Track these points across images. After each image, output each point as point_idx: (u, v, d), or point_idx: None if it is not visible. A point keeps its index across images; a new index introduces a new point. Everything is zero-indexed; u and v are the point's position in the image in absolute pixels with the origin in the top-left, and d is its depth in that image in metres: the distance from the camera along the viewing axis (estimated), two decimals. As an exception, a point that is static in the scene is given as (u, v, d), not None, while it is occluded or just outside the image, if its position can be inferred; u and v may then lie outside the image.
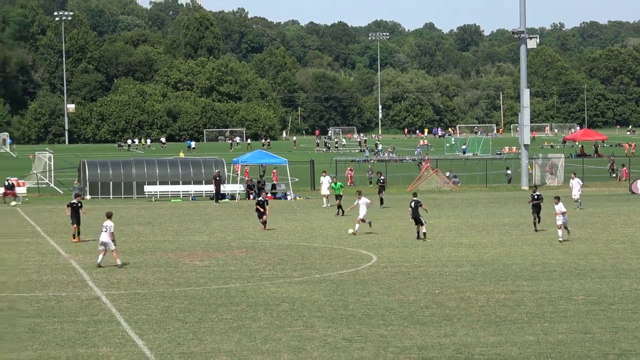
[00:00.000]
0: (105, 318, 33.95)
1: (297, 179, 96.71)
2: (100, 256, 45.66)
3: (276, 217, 69.62)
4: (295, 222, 68.82)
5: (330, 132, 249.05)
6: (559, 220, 53.87)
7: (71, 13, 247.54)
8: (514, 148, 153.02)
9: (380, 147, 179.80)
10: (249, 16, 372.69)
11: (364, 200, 51.34)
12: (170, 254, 46.88)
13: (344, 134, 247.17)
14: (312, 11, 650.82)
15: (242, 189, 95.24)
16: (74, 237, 54.87)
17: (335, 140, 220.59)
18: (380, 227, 64.08)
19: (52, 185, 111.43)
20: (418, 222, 55.15)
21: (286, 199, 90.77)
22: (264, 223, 62.99)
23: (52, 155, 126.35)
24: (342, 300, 36.28)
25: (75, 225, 54.19)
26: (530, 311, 33.83)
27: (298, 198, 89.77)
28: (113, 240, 45.67)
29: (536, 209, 56.31)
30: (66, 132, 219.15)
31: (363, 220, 51.48)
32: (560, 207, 53.35)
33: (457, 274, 43.10)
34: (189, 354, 28.42)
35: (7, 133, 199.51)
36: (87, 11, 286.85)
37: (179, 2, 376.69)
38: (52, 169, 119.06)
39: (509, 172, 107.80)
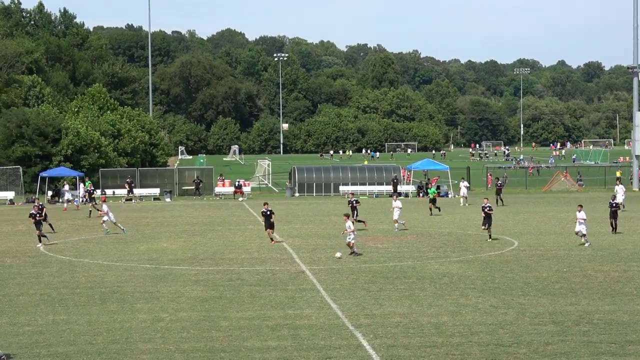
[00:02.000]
0: (308, 287, 34.78)
1: (455, 181, 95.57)
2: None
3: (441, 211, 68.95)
4: (453, 215, 68.24)
5: (482, 145, 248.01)
6: None
7: (286, 55, 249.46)
8: (627, 158, 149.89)
9: (521, 157, 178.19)
10: (421, 56, 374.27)
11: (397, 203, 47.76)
12: (358, 238, 45.78)
13: (493, 146, 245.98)
14: (470, 51, 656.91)
15: (414, 188, 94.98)
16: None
17: (486, 151, 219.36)
18: (521, 219, 64.08)
19: (270, 185, 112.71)
20: None
21: (447, 197, 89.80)
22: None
23: (270, 162, 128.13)
24: (490, 276, 36.59)
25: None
26: (639, 286, 33.68)
27: (456, 196, 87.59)
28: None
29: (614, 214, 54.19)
30: (281, 145, 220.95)
31: (396, 221, 48.05)
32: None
33: (580, 257, 42.56)
34: (372, 315, 28.88)
35: (237, 146, 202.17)
36: (298, 53, 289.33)
37: (368, 45, 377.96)
38: (270, 173, 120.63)
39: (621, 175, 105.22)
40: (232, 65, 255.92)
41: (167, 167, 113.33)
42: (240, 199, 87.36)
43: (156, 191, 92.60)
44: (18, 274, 39.45)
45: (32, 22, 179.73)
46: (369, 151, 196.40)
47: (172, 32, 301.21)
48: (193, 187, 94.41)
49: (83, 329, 27.35)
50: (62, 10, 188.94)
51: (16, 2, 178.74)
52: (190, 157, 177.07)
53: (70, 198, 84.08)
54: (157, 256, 44.42)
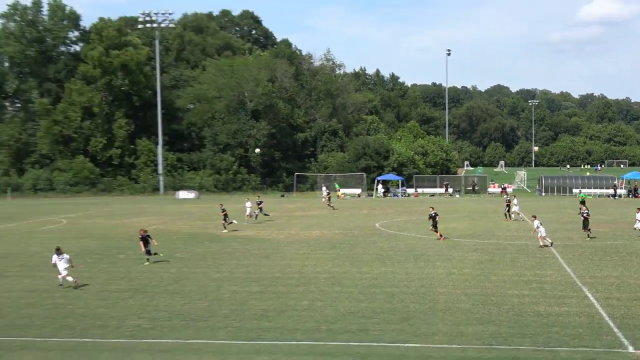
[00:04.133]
0: (550, 255, 34.87)
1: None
2: None
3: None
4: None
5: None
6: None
7: (537, 101, 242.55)
8: None
9: None
10: (631, 100, 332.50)
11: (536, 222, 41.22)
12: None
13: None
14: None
15: (625, 192, 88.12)
16: None
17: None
18: None
19: (525, 188, 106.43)
20: None
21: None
22: None
23: (525, 173, 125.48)
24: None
25: None
26: None
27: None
28: None
29: None
30: (533, 161, 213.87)
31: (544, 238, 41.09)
32: None
33: None
34: (594, 277, 28.23)
35: (503, 161, 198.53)
36: (545, 99, 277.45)
37: (594, 94, 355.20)
38: (525, 179, 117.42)
39: None
40: (500, 108, 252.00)
41: (457, 175, 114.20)
42: (505, 196, 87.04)
43: (441, 190, 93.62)
44: (363, 241, 41.09)
45: (372, 82, 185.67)
46: (593, 165, 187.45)
47: (462, 86, 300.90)
48: (471, 188, 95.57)
49: (402, 277, 28.67)
50: (391, 74, 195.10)
51: (362, 68, 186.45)
52: (472, 168, 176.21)
53: (399, 192, 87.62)
54: (450, 232, 44.33)
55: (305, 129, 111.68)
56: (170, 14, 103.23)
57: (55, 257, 28.18)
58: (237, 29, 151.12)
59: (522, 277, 28.41)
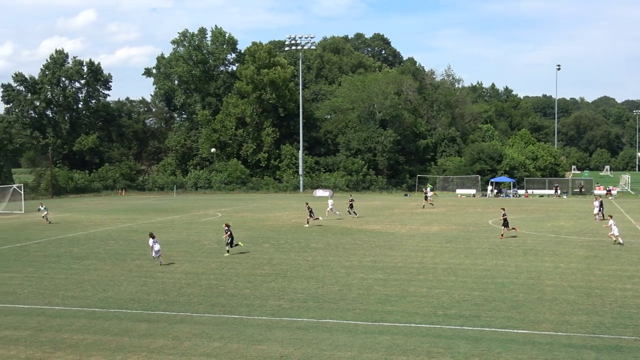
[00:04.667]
0: None
1: None
2: None
3: None
4: None
5: None
6: None
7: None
8: None
9: None
10: None
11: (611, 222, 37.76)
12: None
13: None
14: None
15: None
16: None
17: None
18: None
19: (629, 190, 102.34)
20: None
21: None
22: None
23: (629, 177, 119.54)
24: None
25: None
26: None
27: None
28: None
29: None
30: (636, 166, 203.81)
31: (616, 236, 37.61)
32: None
33: None
34: None
35: (608, 165, 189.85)
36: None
37: None
38: (629, 183, 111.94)
39: None
40: (606, 117, 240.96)
41: (565, 178, 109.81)
42: (610, 197, 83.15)
43: (550, 192, 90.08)
44: (476, 236, 40.10)
45: (488, 94, 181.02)
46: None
47: (570, 98, 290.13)
48: (578, 190, 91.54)
49: (512, 270, 28.02)
50: (505, 87, 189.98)
51: (479, 82, 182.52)
52: (579, 172, 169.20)
53: (510, 193, 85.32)
54: (558, 230, 43.25)
55: (427, 136, 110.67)
56: (312, 37, 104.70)
57: (151, 240, 30.41)
58: (369, 49, 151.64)
59: (625, 272, 27.17)
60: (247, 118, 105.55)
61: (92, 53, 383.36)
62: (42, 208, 53.17)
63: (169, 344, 17.46)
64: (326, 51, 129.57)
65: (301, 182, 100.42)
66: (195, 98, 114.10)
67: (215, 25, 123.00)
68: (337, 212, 54.60)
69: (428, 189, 68.89)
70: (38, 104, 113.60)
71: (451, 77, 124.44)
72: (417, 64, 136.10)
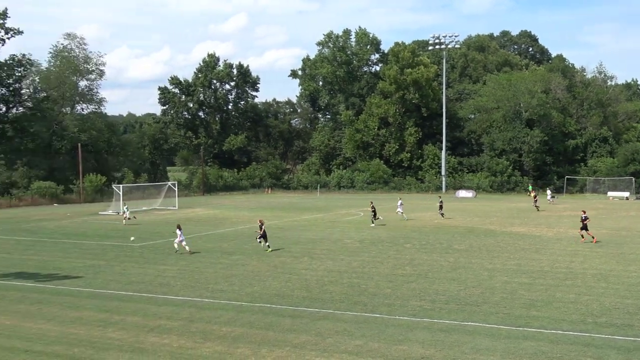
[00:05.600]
0: None
1: None
2: None
3: None
4: None
5: None
6: None
7: None
8: None
9: None
10: None
11: None
12: None
13: None
14: None
15: None
16: None
17: None
18: None
19: None
20: None
21: None
22: None
23: None
24: None
25: None
26: None
27: None
28: None
29: None
30: None
31: None
32: None
33: None
34: None
35: None
36: None
37: None
38: None
39: None
40: None
41: None
42: None
43: None
44: (630, 241, 38.10)
45: None
46: None
47: None
48: None
49: None
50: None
51: (634, 79, 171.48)
52: None
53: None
54: None
55: (576, 136, 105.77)
56: (456, 36, 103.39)
57: (178, 232, 34.39)
58: (515, 47, 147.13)
59: None
60: (390, 118, 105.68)
61: (241, 56, 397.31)
62: (125, 209, 53.05)
63: (311, 339, 17.78)
64: (470, 49, 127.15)
65: (444, 182, 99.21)
66: (339, 98, 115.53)
67: (359, 26, 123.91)
68: (399, 212, 53.11)
69: (548, 192, 65.89)
70: (191, 105, 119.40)
71: (603, 74, 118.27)
72: (566, 61, 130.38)
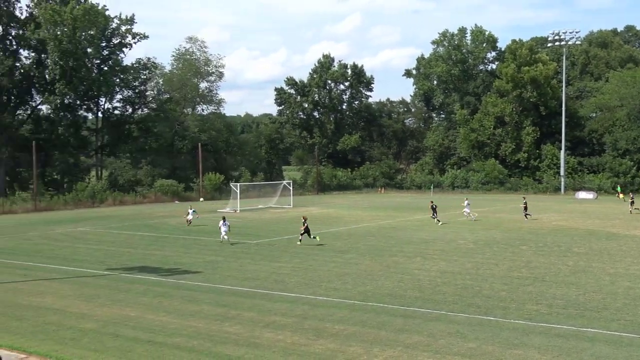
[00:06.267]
0: None
1: None
2: None
3: None
4: None
5: None
6: None
7: None
8: None
9: None
10: None
11: None
12: None
13: None
14: None
15: None
16: None
17: None
18: None
19: None
20: None
21: None
22: None
23: None
24: None
25: None
26: None
27: None
28: None
29: None
30: None
31: None
32: None
33: None
34: None
35: None
36: None
37: None
38: None
39: None
40: None
41: None
42: None
43: None
44: None
45: None
46: None
47: None
48: None
49: None
50: None
51: None
52: None
53: None
54: None
55: None
56: (577, 32, 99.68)
57: (221, 223, 38.17)
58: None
59: None
60: (506, 117, 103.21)
61: (355, 56, 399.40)
62: (190, 211, 50.46)
63: (423, 340, 17.64)
64: (592, 46, 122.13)
65: (562, 183, 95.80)
66: (454, 97, 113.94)
67: (475, 24, 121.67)
68: (466, 212, 52.80)
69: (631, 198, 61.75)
70: (306, 105, 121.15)
71: None
72: None
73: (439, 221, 48.82)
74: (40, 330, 19.00)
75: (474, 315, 20.28)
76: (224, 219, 38.86)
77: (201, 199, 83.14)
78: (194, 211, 50.93)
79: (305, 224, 37.17)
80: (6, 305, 22.38)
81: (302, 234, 37.44)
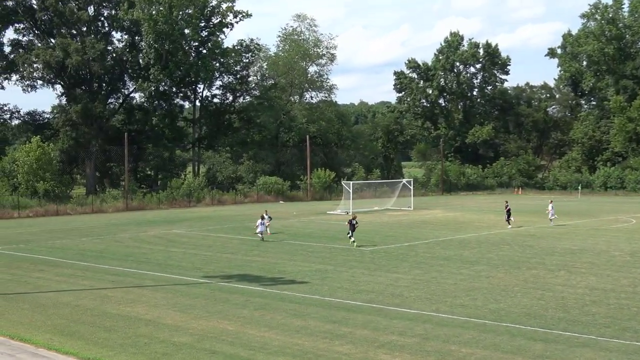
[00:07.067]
0: None
1: None
2: None
3: None
4: None
5: None
6: None
7: None
8: None
9: None
10: None
11: None
12: None
13: None
14: None
15: None
16: None
17: None
18: None
19: None
20: None
21: None
22: None
23: None
24: None
25: None
26: None
27: None
28: None
29: None
30: None
31: None
32: None
33: None
34: None
35: None
36: None
37: None
38: None
39: None
40: None
41: None
42: None
43: None
44: None
45: None
46: None
47: None
48: None
49: None
50: None
51: None
52: None
53: None
54: None
55: None
56: None
57: (259, 221, 42.32)
58: None
59: None
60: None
61: (489, 33, 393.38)
62: (260, 221, 44.55)
63: (568, 370, 17.08)
64: None
65: None
66: (608, 81, 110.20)
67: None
68: (551, 213, 52.59)
69: None
70: (430, 92, 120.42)
71: None
72: None
73: (510, 225, 50.35)
74: (130, 343, 19.73)
75: (631, 341, 19.49)
76: (262, 217, 43.59)
77: (280, 202, 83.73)
78: (269, 218, 47.21)
79: (353, 222, 39.69)
80: (94, 314, 23.39)
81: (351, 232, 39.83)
